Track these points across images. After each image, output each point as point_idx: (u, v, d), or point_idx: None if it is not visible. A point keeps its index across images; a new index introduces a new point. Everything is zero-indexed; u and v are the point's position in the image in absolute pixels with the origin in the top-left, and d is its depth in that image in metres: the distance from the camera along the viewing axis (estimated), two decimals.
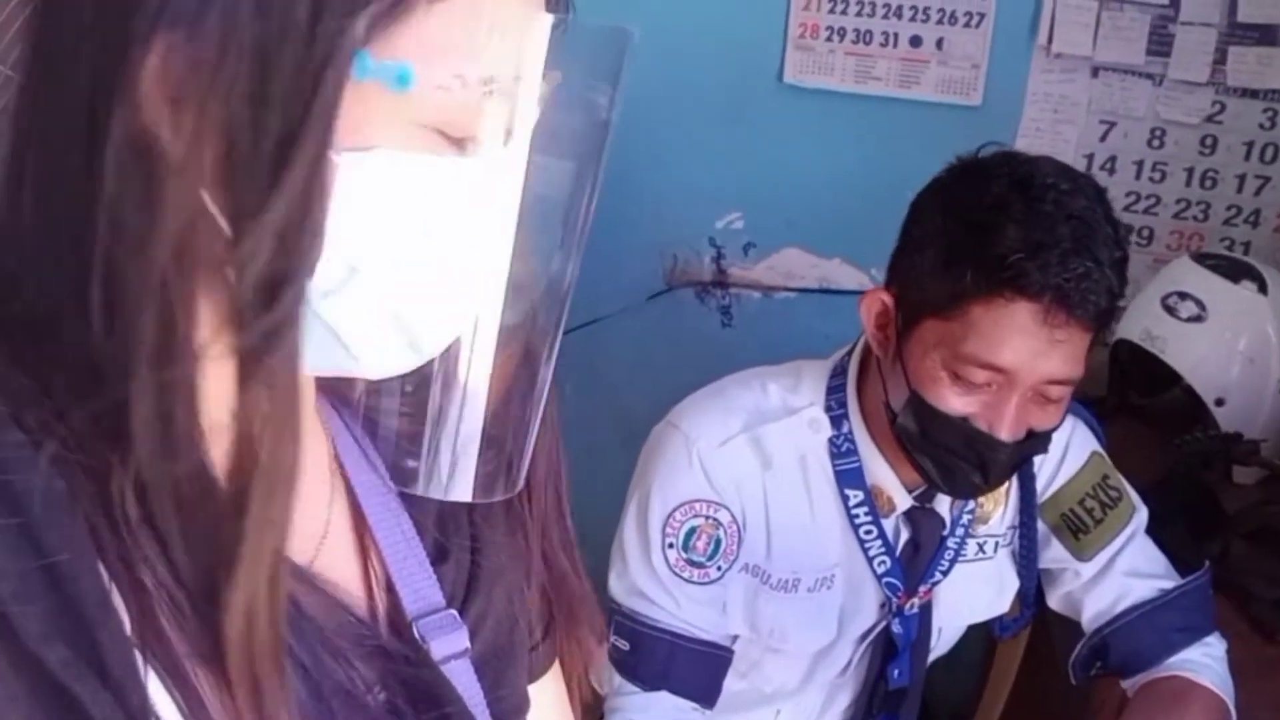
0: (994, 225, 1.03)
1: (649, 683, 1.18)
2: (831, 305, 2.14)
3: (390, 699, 0.56)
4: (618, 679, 1.19)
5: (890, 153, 2.04)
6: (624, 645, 1.19)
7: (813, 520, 1.21)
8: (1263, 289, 1.63)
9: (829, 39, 2.00)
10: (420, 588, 0.59)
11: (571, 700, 0.74)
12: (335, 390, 0.61)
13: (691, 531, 1.17)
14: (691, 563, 1.17)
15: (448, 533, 0.62)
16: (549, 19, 0.50)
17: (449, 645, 0.59)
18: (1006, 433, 1.06)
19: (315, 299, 0.46)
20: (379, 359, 0.51)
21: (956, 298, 1.04)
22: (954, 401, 1.07)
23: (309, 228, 0.44)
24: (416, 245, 0.48)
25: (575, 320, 2.18)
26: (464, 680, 0.60)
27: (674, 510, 1.17)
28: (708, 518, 1.17)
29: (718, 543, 1.18)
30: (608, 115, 0.53)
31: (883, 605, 1.26)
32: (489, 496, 0.57)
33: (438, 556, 0.61)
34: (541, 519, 0.65)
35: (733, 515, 1.18)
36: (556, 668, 0.71)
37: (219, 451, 0.46)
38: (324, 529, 0.58)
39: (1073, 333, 1.03)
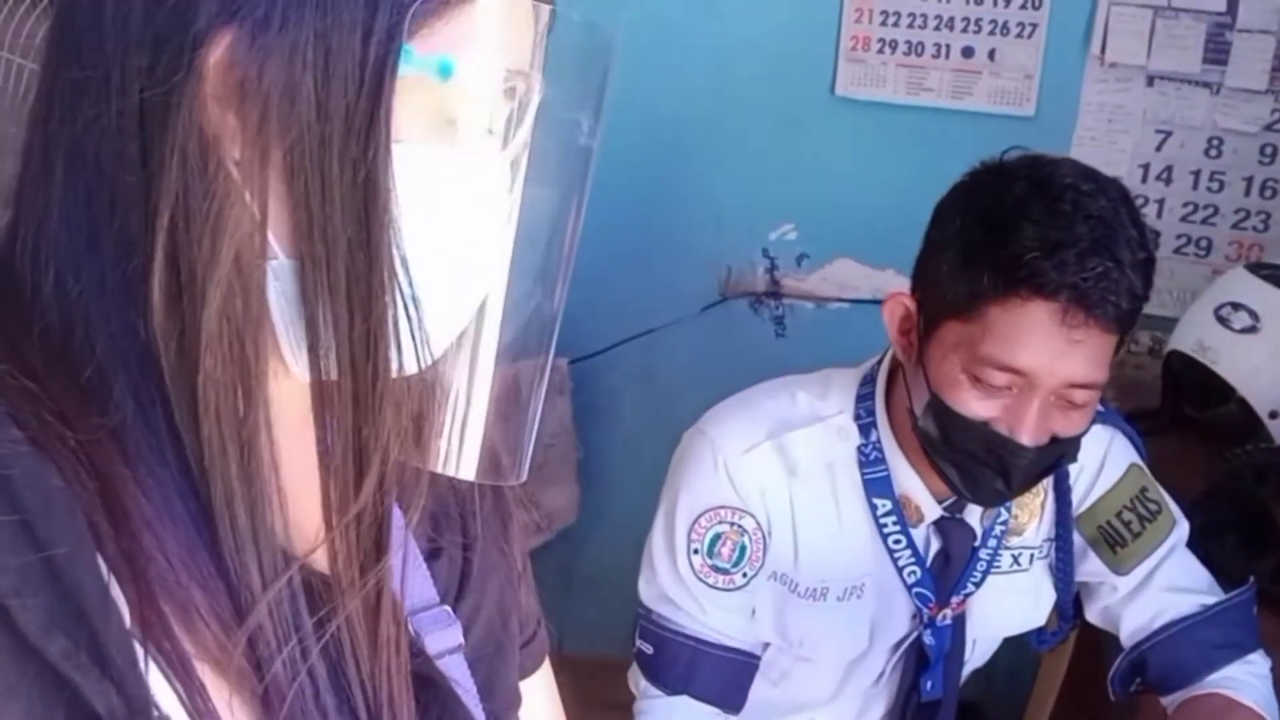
0: (1011, 225, 1.02)
1: (671, 687, 1.19)
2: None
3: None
4: (643, 682, 1.21)
5: (943, 164, 2.00)
6: (648, 649, 1.21)
7: (840, 528, 1.21)
8: None
9: (880, 51, 2.00)
10: (414, 584, 0.60)
11: None
12: None
13: (716, 538, 1.18)
14: (716, 569, 1.18)
15: (440, 530, 0.63)
16: (548, 9, 0.51)
17: (443, 641, 0.60)
18: (1028, 437, 1.05)
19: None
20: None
21: (974, 299, 1.04)
22: (974, 405, 1.06)
23: (382, 220, 0.46)
24: (439, 235, 0.49)
25: (631, 330, 2.25)
26: (458, 675, 0.60)
27: (699, 516, 1.18)
28: (732, 524, 1.18)
29: (743, 549, 1.18)
30: (597, 108, 0.54)
31: (914, 616, 1.25)
32: (494, 479, 0.56)
33: (431, 554, 0.62)
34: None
35: (758, 522, 1.18)
36: (547, 664, 0.72)
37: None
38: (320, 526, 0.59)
39: (1092, 334, 1.02)
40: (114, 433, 0.47)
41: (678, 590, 1.19)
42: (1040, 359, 1.02)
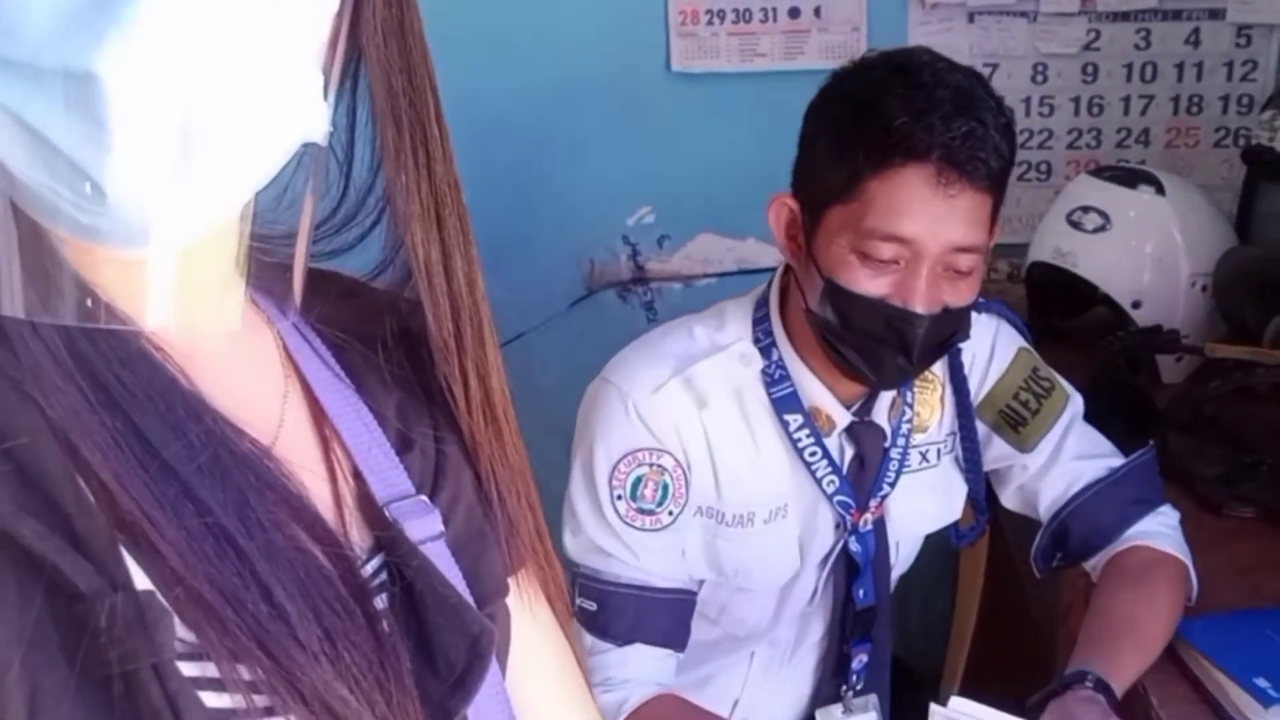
0: (877, 102, 1.06)
1: (622, 637, 1.17)
2: (752, 284, 2.12)
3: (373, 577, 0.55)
4: (589, 638, 1.17)
5: (787, 126, 2.04)
6: (591, 605, 1.18)
7: (757, 453, 1.21)
8: (1160, 191, 1.67)
9: (710, 23, 2.03)
10: (387, 475, 0.59)
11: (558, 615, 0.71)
12: (277, 291, 0.59)
13: (638, 481, 1.16)
14: (642, 511, 1.16)
15: (409, 423, 0.61)
16: None
17: (423, 528, 0.58)
18: (921, 305, 1.07)
19: None
20: (64, 202, 0.43)
21: (852, 179, 1.07)
22: (866, 284, 1.08)
23: None
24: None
25: (501, 338, 2.17)
26: (442, 561, 0.59)
27: (618, 462, 1.16)
28: (652, 465, 1.17)
29: (665, 488, 1.17)
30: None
31: (838, 525, 1.25)
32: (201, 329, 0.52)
33: (402, 446, 0.60)
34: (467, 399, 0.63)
35: (676, 459, 1.17)
36: (530, 564, 0.68)
37: None
38: (279, 418, 0.57)
39: (969, 195, 1.05)
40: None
41: (607, 539, 1.17)
42: (921, 224, 1.05)
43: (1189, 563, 1.23)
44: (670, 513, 1.17)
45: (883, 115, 1.05)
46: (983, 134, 1.04)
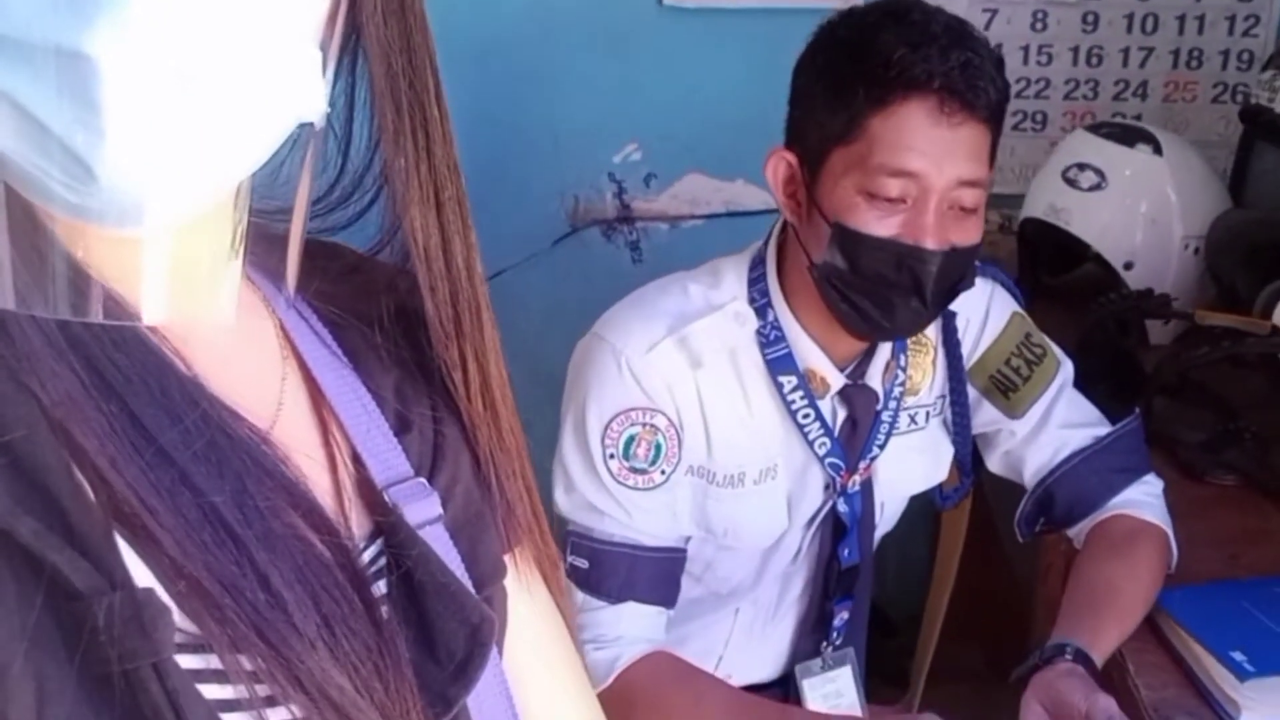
0: (873, 40, 1.06)
1: (614, 595, 1.17)
2: (740, 228, 2.12)
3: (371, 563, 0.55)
4: (580, 596, 1.17)
5: (779, 65, 2.00)
6: (583, 563, 1.17)
7: (749, 413, 1.20)
8: (1158, 150, 1.66)
9: None
10: (386, 458, 0.58)
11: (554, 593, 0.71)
12: (274, 270, 0.58)
13: (631, 440, 1.16)
14: (635, 470, 1.16)
15: (407, 403, 0.61)
16: None
17: (422, 511, 0.58)
18: (932, 241, 1.06)
19: None
20: (54, 181, 0.41)
21: (854, 119, 1.07)
22: (875, 225, 1.07)
23: None
24: None
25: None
26: (440, 545, 0.58)
27: (610, 421, 1.15)
28: (645, 424, 1.16)
29: (658, 448, 1.16)
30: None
31: (827, 487, 1.25)
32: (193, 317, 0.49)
33: (400, 427, 0.60)
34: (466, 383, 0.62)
35: (669, 419, 1.16)
36: (527, 541, 0.68)
37: None
38: (278, 400, 0.56)
39: (970, 126, 1.06)
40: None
41: (600, 497, 1.16)
42: (928, 158, 1.05)
43: (1170, 532, 1.24)
44: (663, 472, 1.17)
45: (880, 50, 1.05)
46: (980, 64, 1.05)
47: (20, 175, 0.40)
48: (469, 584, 0.59)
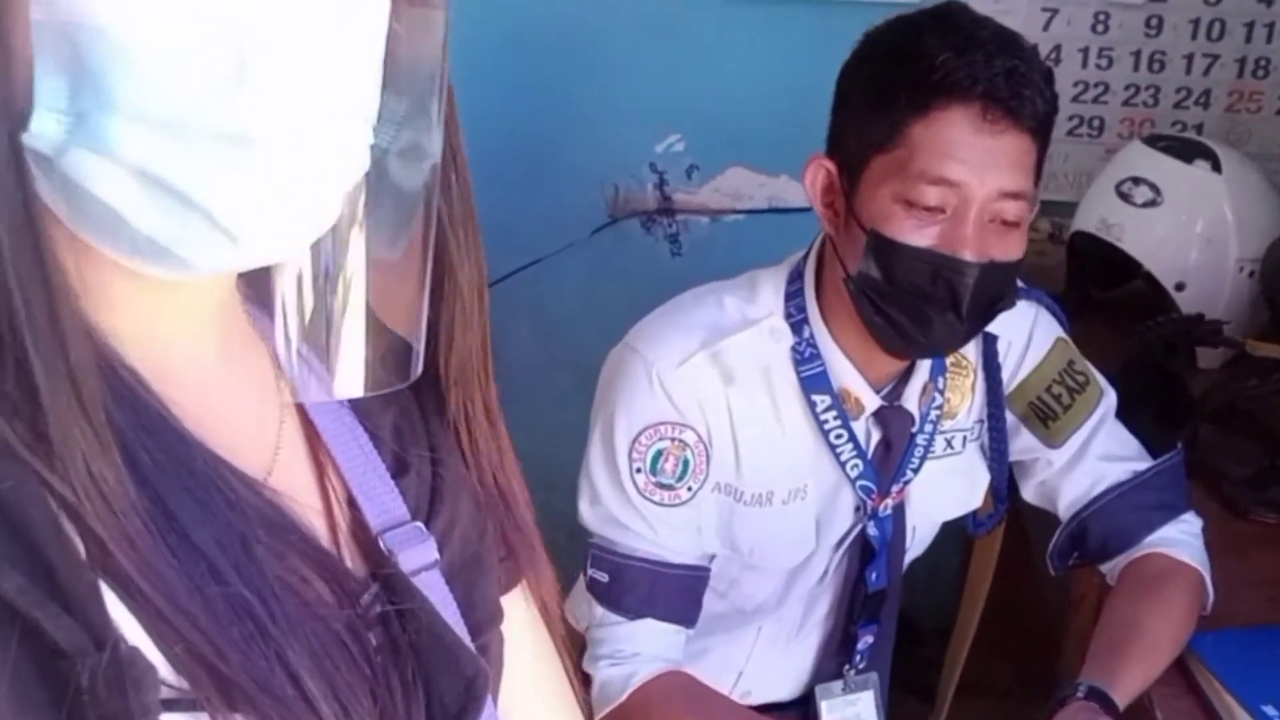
0: (917, 44, 1.04)
1: (633, 611, 1.15)
2: (782, 224, 2.09)
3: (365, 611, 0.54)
4: (599, 610, 1.16)
5: (833, 60, 1.96)
6: (603, 576, 1.16)
7: (781, 432, 1.18)
8: (1216, 167, 1.61)
9: None
10: (383, 501, 0.58)
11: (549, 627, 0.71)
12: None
13: (659, 454, 1.14)
14: (661, 485, 1.14)
15: (405, 444, 0.60)
16: None
17: (417, 557, 0.57)
18: (970, 252, 1.03)
19: (44, 152, 0.41)
20: (181, 244, 0.44)
21: (895, 125, 1.04)
22: (912, 234, 1.05)
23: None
24: (169, 81, 0.41)
25: (517, 261, 2.12)
26: (436, 592, 0.58)
27: (639, 434, 1.14)
28: (673, 439, 1.14)
29: (686, 463, 1.14)
30: None
31: (857, 509, 1.23)
32: (384, 387, 0.54)
33: (398, 469, 0.59)
34: (469, 425, 0.62)
35: (698, 434, 1.14)
36: (525, 582, 0.68)
37: None
38: (275, 444, 0.56)
39: (1013, 136, 1.03)
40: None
41: (625, 512, 1.15)
42: (968, 167, 1.03)
43: (1207, 574, 1.20)
44: (689, 488, 1.15)
45: (924, 55, 1.03)
46: (1026, 72, 1.02)
47: (153, 251, 0.44)
48: (465, 631, 0.59)
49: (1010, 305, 1.12)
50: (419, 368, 0.55)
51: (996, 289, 1.07)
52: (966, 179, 1.02)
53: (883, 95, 1.05)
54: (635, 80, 2.05)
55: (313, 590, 0.51)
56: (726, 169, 2.10)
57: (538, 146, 2.08)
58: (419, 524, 0.58)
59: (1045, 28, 1.90)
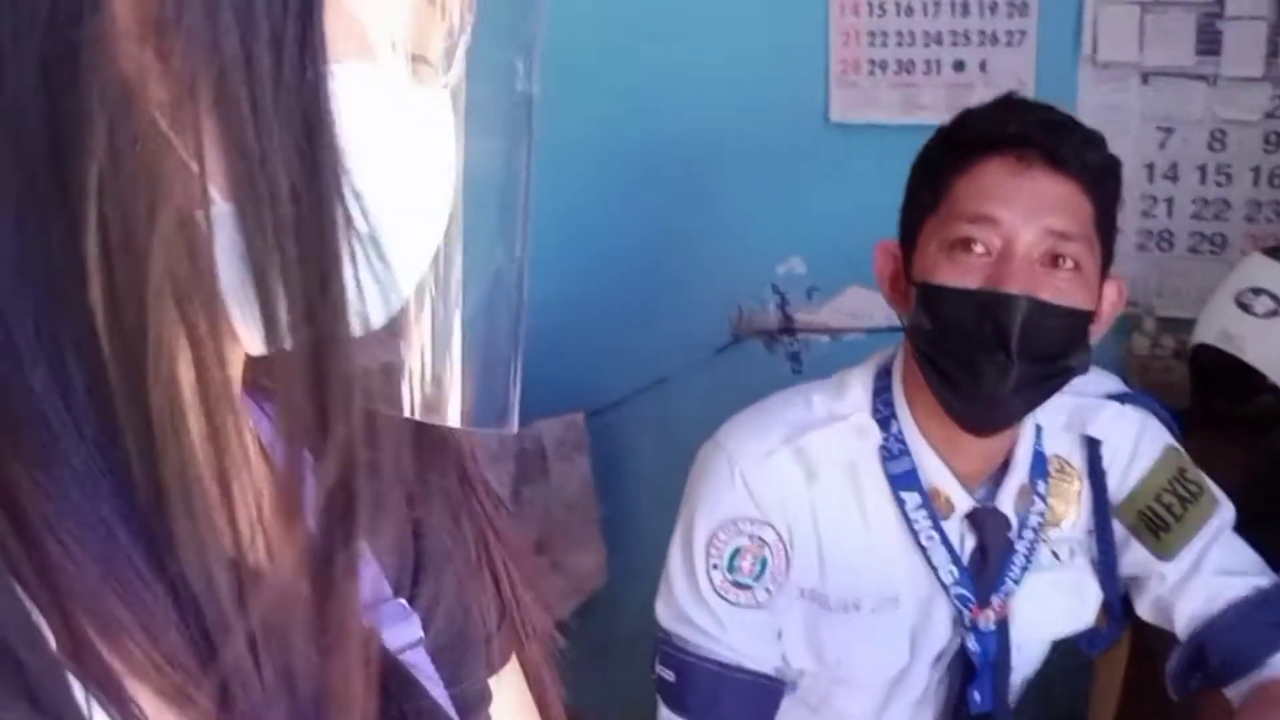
0: (962, 118, 1.13)
1: (697, 713, 1.14)
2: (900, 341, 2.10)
3: None
4: (664, 711, 1.16)
5: None
6: (670, 675, 1.16)
7: (868, 533, 1.16)
8: None
9: (871, 73, 2.00)
10: (366, 577, 0.55)
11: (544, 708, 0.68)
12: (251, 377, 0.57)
13: (736, 552, 1.13)
14: (738, 584, 1.13)
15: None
16: None
17: (401, 635, 0.55)
18: (1015, 285, 1.04)
19: None
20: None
21: (939, 188, 1.09)
22: (956, 277, 1.06)
23: (325, 152, 0.41)
24: (390, 167, 0.44)
25: (643, 380, 2.18)
26: (423, 671, 0.56)
27: (717, 530, 1.14)
28: (752, 537, 1.13)
29: (764, 563, 1.14)
30: (531, 46, 0.51)
31: (956, 621, 1.19)
32: (483, 426, 0.52)
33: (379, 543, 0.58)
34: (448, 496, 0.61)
35: (778, 533, 1.14)
36: (515, 661, 0.66)
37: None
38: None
39: (1056, 180, 1.05)
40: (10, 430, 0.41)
41: (697, 610, 1.14)
42: (1008, 206, 1.05)
43: None
44: (767, 590, 1.13)
45: (963, 120, 1.11)
46: (1064, 122, 1.06)
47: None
48: (453, 712, 0.57)
49: (1083, 369, 1.09)
50: (514, 420, 0.52)
51: (1052, 335, 1.05)
52: (1006, 217, 1.04)
53: (928, 165, 1.12)
54: (757, 207, 2.13)
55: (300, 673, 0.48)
56: (845, 289, 2.13)
57: (664, 270, 2.16)
58: (401, 601, 0.56)
59: (1161, 146, 1.89)
